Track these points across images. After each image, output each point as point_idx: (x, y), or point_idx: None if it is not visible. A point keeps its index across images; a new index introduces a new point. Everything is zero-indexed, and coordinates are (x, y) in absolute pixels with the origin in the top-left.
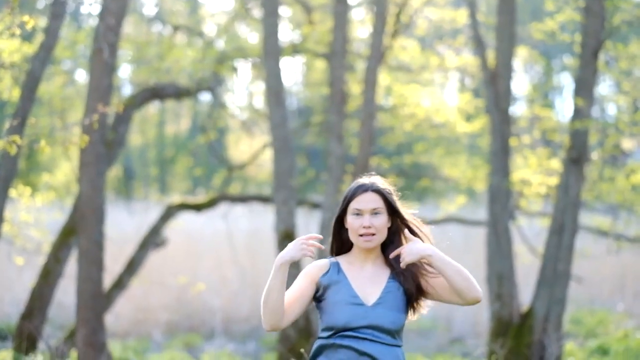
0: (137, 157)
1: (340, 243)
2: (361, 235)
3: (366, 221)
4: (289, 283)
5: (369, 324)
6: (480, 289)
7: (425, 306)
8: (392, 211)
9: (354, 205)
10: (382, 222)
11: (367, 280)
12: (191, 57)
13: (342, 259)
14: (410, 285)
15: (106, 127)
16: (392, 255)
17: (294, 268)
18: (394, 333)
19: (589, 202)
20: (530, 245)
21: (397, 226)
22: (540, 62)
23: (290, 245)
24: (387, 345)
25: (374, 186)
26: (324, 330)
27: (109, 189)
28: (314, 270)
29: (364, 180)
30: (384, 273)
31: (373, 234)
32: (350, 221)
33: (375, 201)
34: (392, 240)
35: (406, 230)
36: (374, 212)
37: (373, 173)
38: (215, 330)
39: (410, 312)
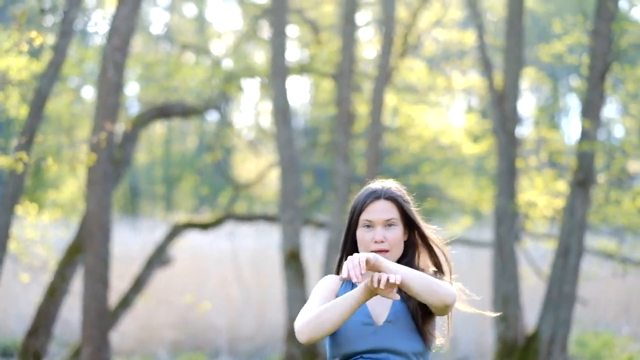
0: (144, 175)
1: None
2: (373, 251)
3: (378, 235)
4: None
5: (381, 347)
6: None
7: (433, 331)
8: (409, 222)
9: (364, 216)
10: (396, 235)
11: (377, 299)
12: (199, 76)
13: None
14: (412, 301)
15: (113, 145)
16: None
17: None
18: (412, 356)
19: (594, 224)
20: (535, 267)
21: (413, 240)
22: (547, 83)
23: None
24: None
25: (387, 193)
26: (333, 356)
27: (115, 206)
28: (332, 283)
29: (376, 185)
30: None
31: (387, 250)
32: (360, 235)
33: (389, 211)
34: (405, 254)
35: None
36: (388, 224)
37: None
38: (220, 349)
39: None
